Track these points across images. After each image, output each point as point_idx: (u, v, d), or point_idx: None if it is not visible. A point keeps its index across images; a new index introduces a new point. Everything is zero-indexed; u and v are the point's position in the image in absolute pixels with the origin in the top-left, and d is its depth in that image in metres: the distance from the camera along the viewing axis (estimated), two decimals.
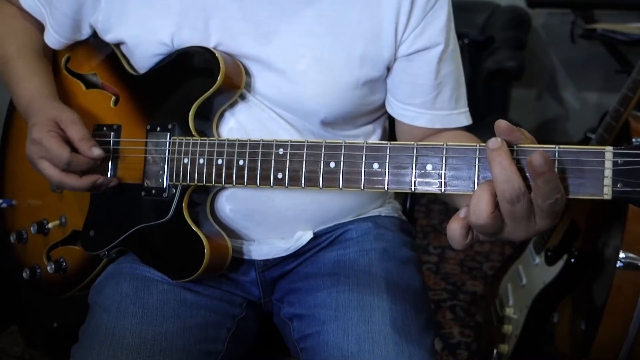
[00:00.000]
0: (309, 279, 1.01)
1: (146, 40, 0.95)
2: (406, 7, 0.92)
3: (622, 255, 1.33)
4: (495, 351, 1.68)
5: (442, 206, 3.02)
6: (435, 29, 0.94)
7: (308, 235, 1.01)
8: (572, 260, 1.53)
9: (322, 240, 1.04)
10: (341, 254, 1.02)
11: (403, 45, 0.94)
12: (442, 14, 0.94)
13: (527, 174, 0.67)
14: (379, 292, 0.95)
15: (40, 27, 1.07)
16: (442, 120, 0.99)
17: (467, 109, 1.03)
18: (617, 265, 1.33)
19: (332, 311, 0.94)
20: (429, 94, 0.97)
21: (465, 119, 1.02)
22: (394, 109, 1.01)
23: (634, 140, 1.38)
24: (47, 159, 0.92)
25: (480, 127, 1.07)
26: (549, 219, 0.68)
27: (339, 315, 0.93)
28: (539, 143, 0.71)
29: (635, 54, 2.80)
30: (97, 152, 0.93)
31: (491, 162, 0.67)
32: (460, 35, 1.01)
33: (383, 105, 1.03)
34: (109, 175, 0.98)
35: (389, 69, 0.97)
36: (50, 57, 1.10)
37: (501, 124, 0.68)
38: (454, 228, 0.70)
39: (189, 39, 0.94)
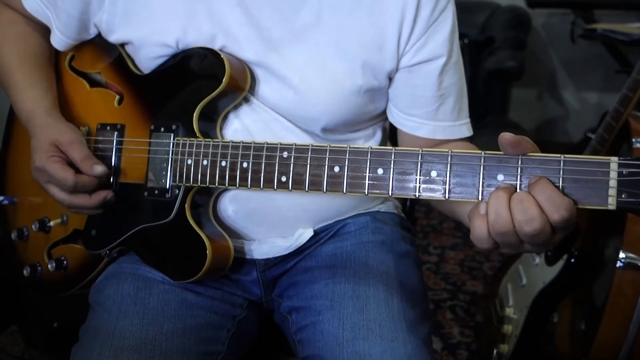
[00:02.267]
0: (307, 272, 1.01)
1: (150, 42, 0.95)
2: (409, 19, 0.91)
3: (622, 255, 1.33)
4: (495, 351, 1.68)
5: None
6: (438, 41, 0.93)
7: (308, 233, 1.01)
8: (572, 260, 1.53)
9: (322, 237, 1.04)
10: (339, 247, 1.02)
11: (405, 57, 0.94)
12: (445, 26, 0.94)
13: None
14: (375, 283, 0.95)
15: (41, 31, 1.07)
16: (443, 131, 0.99)
17: (468, 120, 1.03)
18: (617, 265, 1.33)
19: (328, 301, 0.94)
20: (430, 105, 0.97)
21: (467, 130, 1.02)
22: (396, 118, 1.01)
23: (633, 140, 1.38)
24: (53, 184, 0.93)
25: (480, 127, 1.07)
26: (566, 230, 0.69)
27: (334, 305, 0.93)
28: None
29: (635, 54, 2.81)
30: (99, 169, 0.93)
31: (512, 203, 0.69)
32: (460, 35, 1.01)
33: (383, 112, 1.03)
34: (111, 176, 0.98)
35: (390, 79, 0.97)
36: (52, 60, 1.10)
37: (505, 136, 0.68)
38: (479, 225, 0.71)
39: (193, 42, 0.94)
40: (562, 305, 1.61)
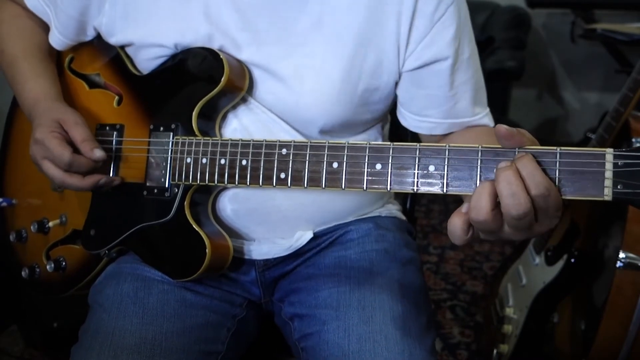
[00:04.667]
0: (310, 279, 1.01)
1: (149, 44, 0.96)
2: (407, 15, 0.90)
3: (622, 255, 1.33)
4: (495, 351, 1.68)
5: (442, 206, 3.03)
6: (444, 41, 0.91)
7: (308, 235, 1.01)
8: (572, 260, 1.53)
9: (323, 241, 1.04)
10: (342, 255, 1.02)
11: (410, 58, 0.92)
12: (453, 23, 0.91)
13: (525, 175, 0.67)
14: (380, 292, 0.95)
15: (44, 27, 1.08)
16: (460, 127, 0.98)
17: (487, 110, 1.01)
18: (617, 265, 1.33)
19: (333, 311, 0.94)
20: (444, 105, 0.96)
21: (489, 122, 1.00)
22: (410, 121, 1.00)
23: (633, 140, 1.38)
24: (49, 160, 0.93)
25: None
26: (547, 220, 0.68)
27: (339, 315, 0.93)
28: (539, 143, 0.71)
29: (635, 54, 2.81)
30: (98, 153, 0.93)
31: (497, 178, 0.67)
32: None
33: (383, 114, 1.03)
34: (111, 175, 0.98)
35: (396, 83, 0.96)
36: (55, 56, 1.10)
37: (501, 129, 0.68)
38: (456, 223, 0.71)
39: (191, 43, 0.94)
40: (562, 305, 1.61)
